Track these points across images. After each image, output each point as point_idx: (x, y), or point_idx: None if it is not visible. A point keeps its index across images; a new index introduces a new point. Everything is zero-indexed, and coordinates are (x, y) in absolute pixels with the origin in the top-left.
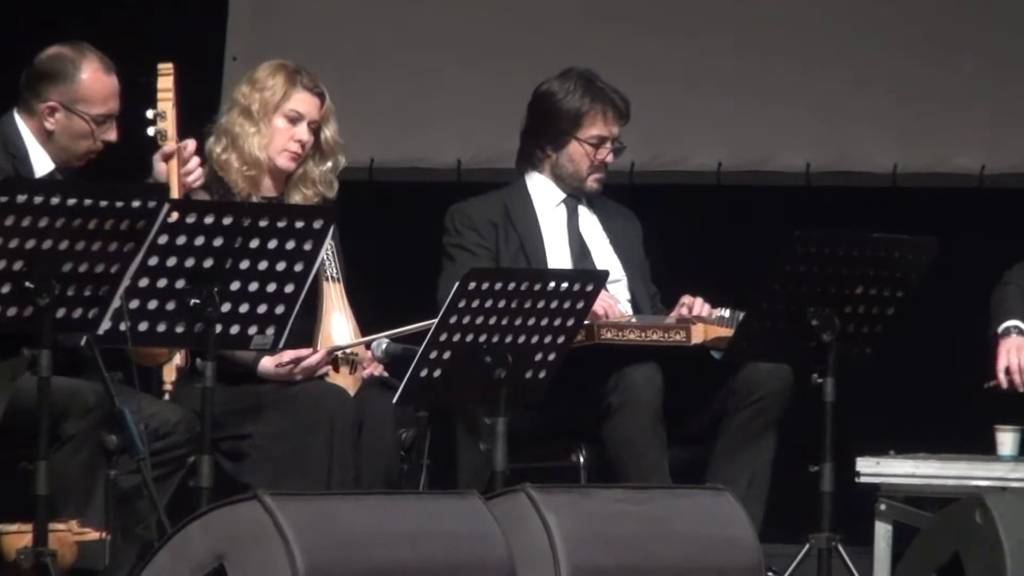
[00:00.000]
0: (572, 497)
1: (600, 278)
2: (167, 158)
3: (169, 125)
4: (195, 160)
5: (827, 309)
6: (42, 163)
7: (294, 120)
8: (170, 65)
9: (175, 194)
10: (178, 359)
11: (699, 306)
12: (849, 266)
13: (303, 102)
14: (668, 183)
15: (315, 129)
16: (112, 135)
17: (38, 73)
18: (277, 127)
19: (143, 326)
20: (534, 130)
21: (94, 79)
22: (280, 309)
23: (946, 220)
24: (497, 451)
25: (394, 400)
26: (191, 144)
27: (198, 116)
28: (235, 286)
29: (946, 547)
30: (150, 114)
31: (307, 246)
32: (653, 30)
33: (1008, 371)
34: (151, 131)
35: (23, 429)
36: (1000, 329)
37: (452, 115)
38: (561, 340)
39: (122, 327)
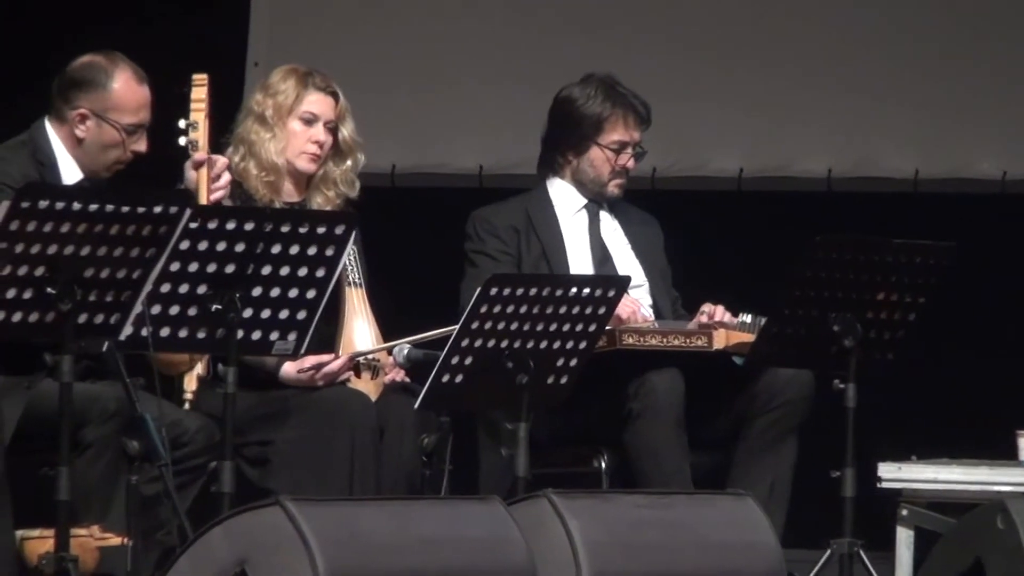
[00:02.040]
0: (594, 503)
1: (622, 284)
2: (197, 166)
3: (201, 136)
4: (226, 177)
5: (848, 314)
6: (71, 172)
7: (310, 122)
8: (205, 76)
9: (203, 202)
10: (199, 368)
11: (720, 314)
12: (870, 272)
13: (317, 103)
14: (689, 189)
15: (332, 129)
16: (142, 146)
17: (70, 81)
18: (293, 130)
19: (165, 331)
20: (555, 136)
21: (126, 88)
22: (302, 315)
23: (967, 226)
24: (519, 456)
25: (416, 405)
26: (223, 160)
27: (220, 123)
28: (257, 292)
29: (968, 552)
30: (182, 124)
31: (329, 251)
32: (673, 37)
33: None
34: (183, 141)
35: (44, 435)
36: None
37: (473, 121)
38: (583, 346)
39: (144, 332)
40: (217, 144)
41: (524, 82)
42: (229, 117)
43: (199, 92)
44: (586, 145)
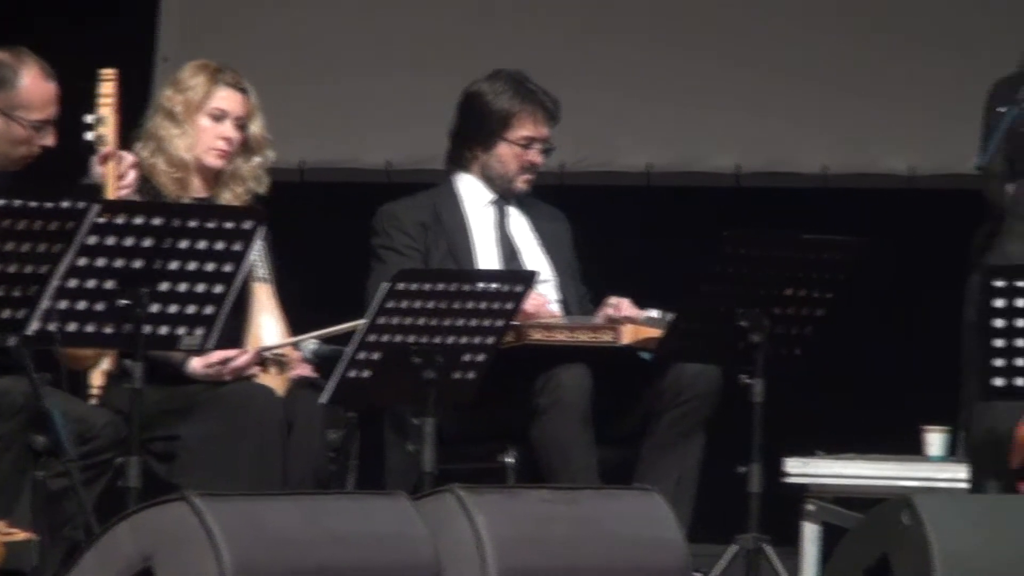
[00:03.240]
0: (500, 498)
1: (529, 279)
2: (105, 161)
3: (109, 130)
4: (132, 175)
5: (756, 310)
6: None
7: (219, 118)
8: (113, 71)
9: (110, 197)
10: (106, 363)
11: (626, 307)
12: (779, 267)
13: (226, 99)
14: (598, 184)
15: (241, 126)
16: (50, 140)
17: None
18: (202, 126)
19: (72, 327)
20: (463, 131)
21: (33, 85)
22: (209, 310)
23: (876, 221)
24: (425, 452)
25: (323, 400)
26: (131, 159)
27: (129, 118)
28: (164, 287)
29: (874, 548)
30: (90, 119)
31: (237, 247)
32: (584, 31)
33: None
34: (90, 136)
35: None
36: None
37: (382, 116)
38: (490, 341)
39: (51, 328)
40: (126, 139)
41: (433, 77)
42: (138, 112)
43: (107, 87)
44: (494, 141)
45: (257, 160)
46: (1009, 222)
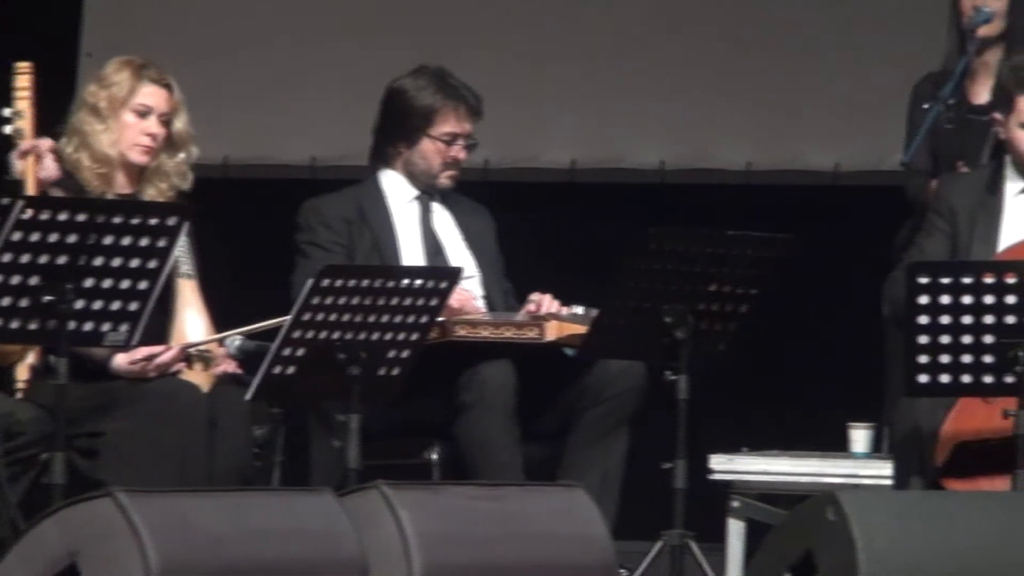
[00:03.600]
0: (425, 494)
1: (453, 275)
2: (24, 155)
3: (26, 124)
4: (49, 158)
5: (681, 306)
6: None
7: (143, 114)
8: (28, 64)
9: (31, 192)
10: (31, 358)
11: (548, 303)
12: (703, 263)
13: (151, 95)
14: (522, 180)
15: (165, 122)
16: None
17: None
18: (126, 122)
19: None
20: (387, 127)
21: None
22: (134, 306)
23: (800, 218)
24: (350, 448)
25: (247, 397)
26: (46, 142)
27: (53, 114)
28: (89, 283)
29: (798, 544)
30: (7, 112)
31: (161, 243)
32: (504, 26)
33: None
34: (7, 129)
35: None
36: None
37: (306, 112)
38: (415, 337)
39: None
40: (52, 135)
41: (358, 73)
42: (62, 107)
43: (23, 80)
44: (417, 137)
45: (181, 156)
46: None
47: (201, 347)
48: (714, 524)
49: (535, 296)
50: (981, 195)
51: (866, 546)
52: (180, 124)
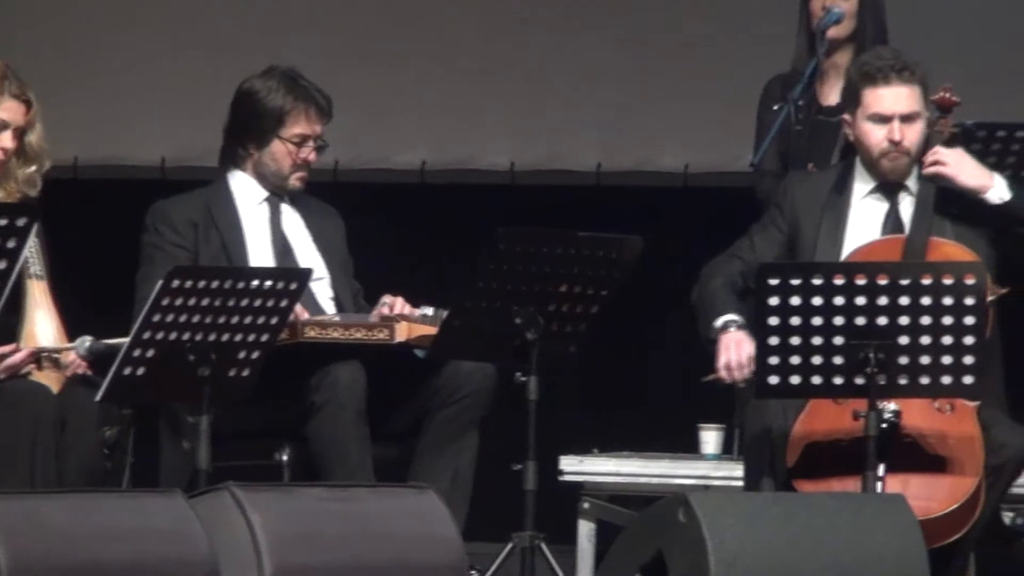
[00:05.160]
0: (276, 496)
1: (303, 276)
2: None
3: None
4: None
5: (531, 307)
6: None
7: None
8: None
9: None
10: None
11: (400, 305)
12: (553, 264)
13: (8, 110)
14: (373, 181)
15: (19, 135)
16: None
17: None
18: None
19: None
20: (237, 128)
21: None
22: None
23: (651, 219)
24: (200, 449)
25: (97, 398)
26: None
27: None
28: None
29: (649, 545)
30: None
31: (10, 244)
32: (353, 27)
33: (728, 366)
34: None
35: None
36: (719, 324)
37: (156, 113)
38: (265, 338)
39: None
40: None
41: (208, 73)
42: None
43: None
44: (268, 138)
45: (33, 168)
46: None
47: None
48: (565, 525)
49: (387, 298)
50: (828, 196)
51: (716, 547)
52: (34, 137)
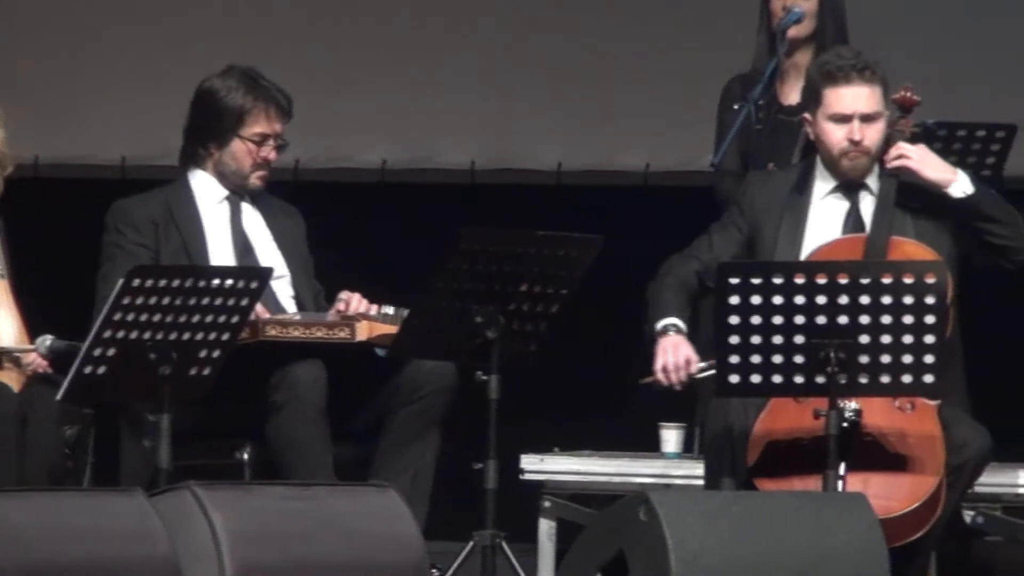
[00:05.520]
0: (237, 494)
1: (263, 275)
2: None
3: None
4: None
5: (491, 307)
6: None
7: None
8: None
9: None
10: None
11: (356, 301)
12: (513, 263)
13: None
14: (333, 180)
15: None
16: None
17: None
18: None
19: None
20: (197, 128)
21: None
22: None
23: (611, 218)
24: (161, 448)
25: (58, 397)
26: None
27: None
28: None
29: (610, 544)
30: None
31: None
32: (312, 26)
33: (665, 369)
34: None
35: None
36: (658, 327)
37: (117, 112)
38: (225, 337)
39: None
40: None
41: (169, 72)
42: None
43: None
44: (228, 137)
45: None
46: None
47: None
48: (526, 524)
49: (344, 295)
50: (789, 195)
51: (677, 546)
52: None
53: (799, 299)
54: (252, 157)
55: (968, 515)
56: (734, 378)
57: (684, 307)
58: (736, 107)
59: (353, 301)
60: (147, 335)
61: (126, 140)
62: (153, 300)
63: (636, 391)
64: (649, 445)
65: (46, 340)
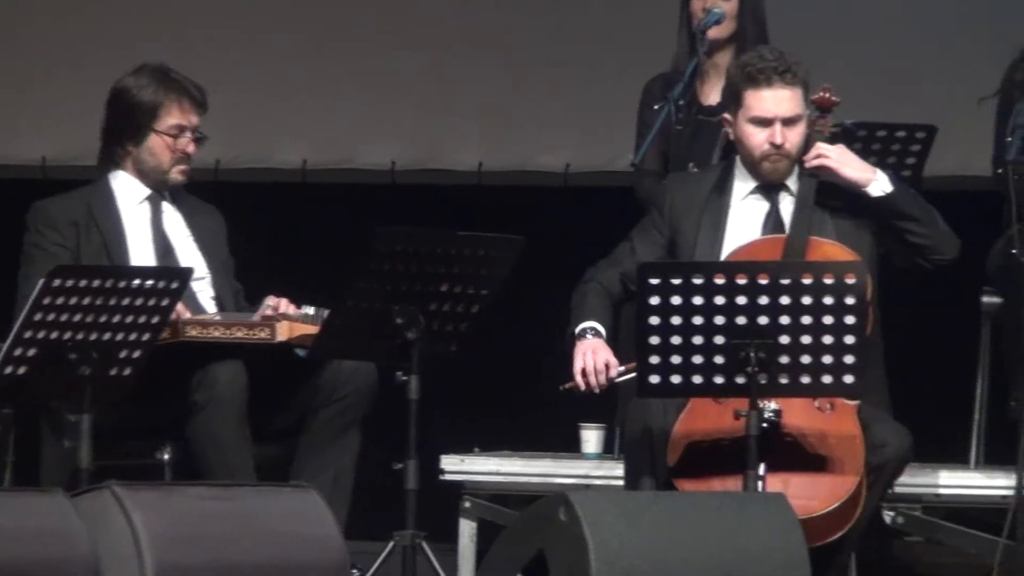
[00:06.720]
0: (157, 495)
1: (184, 275)
2: None
3: None
4: None
5: (411, 307)
6: None
7: None
8: None
9: None
10: None
11: (284, 306)
12: (434, 264)
13: None
14: (254, 180)
15: None
16: None
17: None
18: None
19: None
20: (113, 127)
21: None
22: None
23: (531, 218)
24: (82, 448)
25: None
26: None
27: None
28: None
29: (530, 544)
30: None
31: None
32: (235, 27)
33: (584, 373)
34: None
35: None
36: (577, 331)
37: (37, 112)
38: (146, 337)
39: None
40: None
41: (89, 72)
42: None
43: None
44: (144, 133)
45: None
46: None
47: None
48: (446, 524)
49: (271, 300)
50: (708, 196)
51: (597, 546)
52: None
53: (719, 300)
54: (170, 150)
55: (888, 515)
56: (654, 378)
57: (605, 311)
58: (656, 107)
59: (281, 306)
60: (67, 335)
61: (46, 140)
62: (73, 300)
63: (557, 392)
64: (570, 446)
65: None
